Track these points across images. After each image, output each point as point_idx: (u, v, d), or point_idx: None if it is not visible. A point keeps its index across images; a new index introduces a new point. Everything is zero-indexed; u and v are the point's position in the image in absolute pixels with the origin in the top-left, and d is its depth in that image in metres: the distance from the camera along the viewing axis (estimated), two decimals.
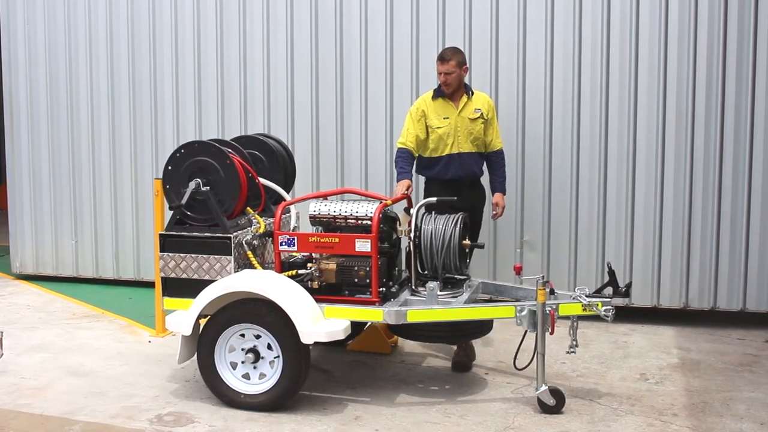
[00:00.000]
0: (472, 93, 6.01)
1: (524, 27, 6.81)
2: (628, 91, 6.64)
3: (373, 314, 4.88)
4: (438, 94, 5.96)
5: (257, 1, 7.47)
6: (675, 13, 6.50)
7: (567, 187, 6.83)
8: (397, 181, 5.83)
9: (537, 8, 6.77)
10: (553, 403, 4.80)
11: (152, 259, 7.30)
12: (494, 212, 6.13)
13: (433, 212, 5.24)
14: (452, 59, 5.85)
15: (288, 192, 5.91)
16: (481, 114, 5.96)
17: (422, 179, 6.21)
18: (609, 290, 4.93)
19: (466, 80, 6.00)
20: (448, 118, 5.90)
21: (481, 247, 5.32)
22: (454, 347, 5.78)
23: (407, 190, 5.67)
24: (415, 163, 6.03)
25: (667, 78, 6.55)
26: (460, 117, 5.91)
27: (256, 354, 4.86)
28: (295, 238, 5.05)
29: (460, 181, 5.95)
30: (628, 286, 5.01)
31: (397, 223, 5.24)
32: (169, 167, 5.24)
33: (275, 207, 5.37)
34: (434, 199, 5.41)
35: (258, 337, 4.86)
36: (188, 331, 4.91)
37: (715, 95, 6.48)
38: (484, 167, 6.15)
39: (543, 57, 6.79)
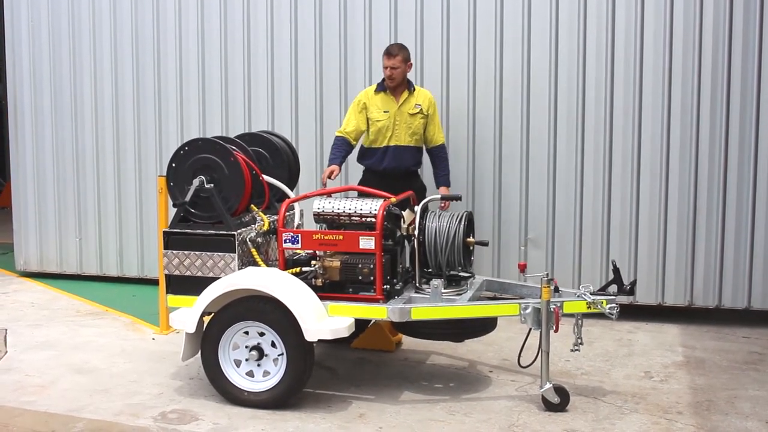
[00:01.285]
0: (414, 89, 6.28)
1: (529, 25, 6.79)
2: (633, 88, 6.61)
3: (377, 312, 4.87)
4: (381, 88, 6.26)
5: None
6: (680, 6, 6.48)
7: (571, 184, 6.81)
8: (327, 166, 6.26)
9: (542, 6, 6.75)
10: (558, 401, 4.79)
11: (156, 257, 7.31)
12: (441, 205, 6.22)
13: (437, 210, 5.24)
14: (399, 54, 6.16)
15: (292, 189, 5.89)
16: (421, 109, 6.25)
17: (357, 168, 6.60)
18: (613, 288, 4.92)
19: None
20: (387, 111, 6.20)
21: (486, 244, 5.31)
22: (454, 344, 5.79)
23: (331, 176, 6.06)
24: (356, 151, 6.45)
25: (672, 76, 6.53)
26: (399, 111, 6.21)
27: (260, 351, 4.85)
28: (299, 235, 5.04)
29: (394, 173, 6.25)
30: (633, 283, 4.99)
31: (401, 220, 5.23)
32: (173, 164, 5.24)
33: (279, 204, 5.36)
34: (439, 196, 5.43)
35: (262, 334, 4.85)
36: (192, 329, 4.91)
37: (721, 92, 6.46)
38: (426, 161, 6.51)
39: (547, 55, 6.77)
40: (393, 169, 6.26)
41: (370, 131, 6.28)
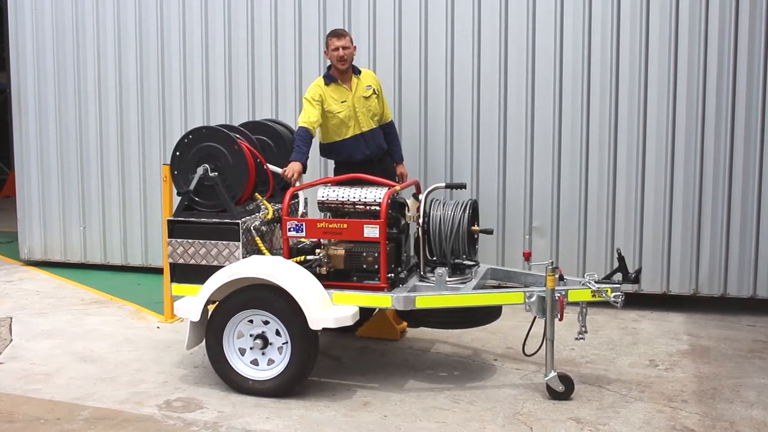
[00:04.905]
0: (360, 71, 6.13)
1: (533, 16, 6.75)
2: (638, 78, 6.58)
3: (382, 300, 4.87)
4: (330, 79, 6.00)
5: None
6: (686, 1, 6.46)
7: (576, 172, 6.79)
8: (290, 159, 5.60)
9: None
10: (562, 390, 4.79)
11: (160, 245, 7.31)
12: (401, 182, 6.19)
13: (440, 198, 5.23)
14: (347, 35, 6.02)
15: None
16: (373, 89, 6.12)
17: (322, 161, 6.55)
18: (618, 276, 4.91)
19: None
20: (345, 101, 6.00)
21: (490, 232, 5.30)
22: (459, 333, 5.78)
23: (297, 176, 5.48)
24: (321, 147, 6.20)
25: (677, 65, 6.49)
26: (356, 97, 6.03)
27: (264, 340, 4.85)
28: (304, 223, 5.04)
29: (371, 159, 6.11)
30: (638, 272, 4.99)
31: (406, 208, 5.22)
32: (177, 153, 5.23)
33: (283, 193, 5.35)
34: (443, 184, 5.41)
35: (266, 323, 4.86)
36: (196, 317, 4.91)
37: (726, 80, 6.42)
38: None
39: (552, 45, 6.73)
40: (369, 157, 6.10)
41: (330, 124, 6.01)
